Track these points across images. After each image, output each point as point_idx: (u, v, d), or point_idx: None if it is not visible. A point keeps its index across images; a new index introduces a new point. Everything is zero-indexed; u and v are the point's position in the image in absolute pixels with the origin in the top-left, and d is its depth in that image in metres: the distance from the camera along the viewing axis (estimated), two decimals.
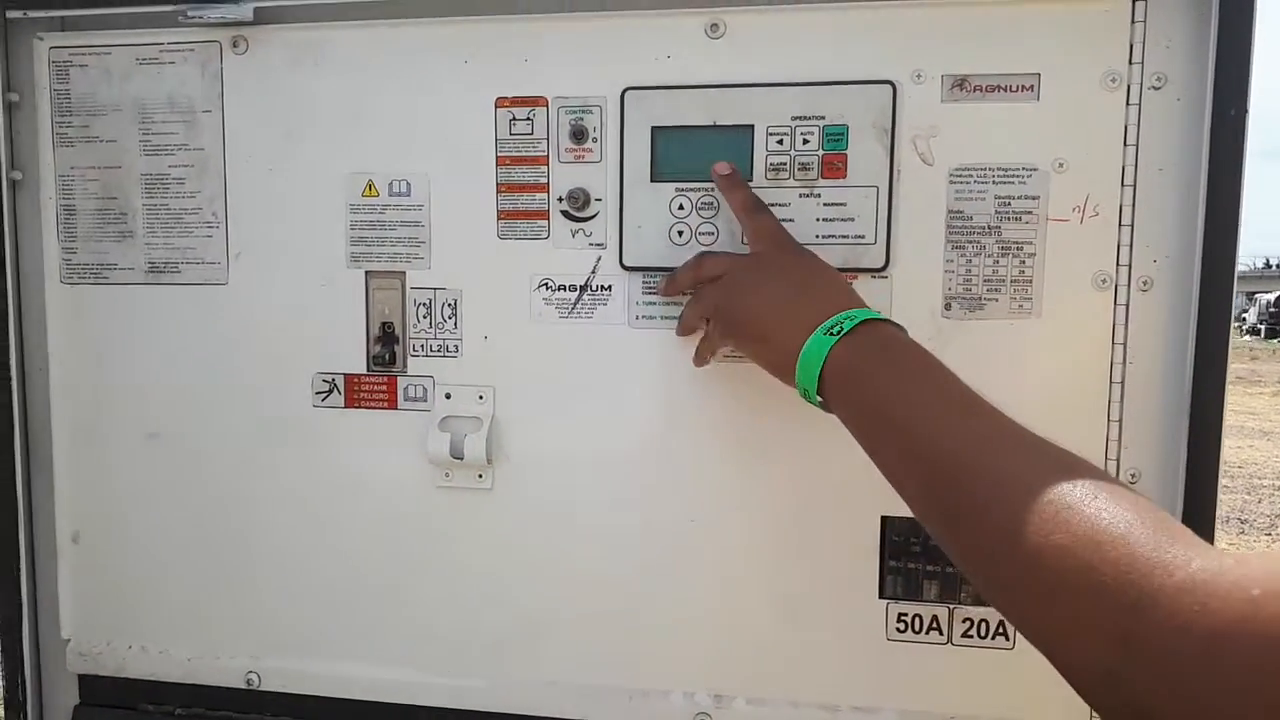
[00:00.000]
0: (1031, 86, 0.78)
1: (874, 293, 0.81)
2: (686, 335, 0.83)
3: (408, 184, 0.88)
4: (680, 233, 0.83)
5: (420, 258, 0.89)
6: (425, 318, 0.89)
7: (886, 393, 0.63)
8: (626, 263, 0.85)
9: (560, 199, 0.85)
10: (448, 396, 0.89)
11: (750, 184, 0.81)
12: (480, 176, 0.87)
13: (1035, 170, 0.78)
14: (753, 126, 0.81)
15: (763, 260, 0.77)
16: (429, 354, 0.90)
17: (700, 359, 0.83)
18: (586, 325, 0.86)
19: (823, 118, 0.80)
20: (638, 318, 0.86)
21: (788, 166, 0.81)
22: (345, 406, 0.91)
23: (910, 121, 0.80)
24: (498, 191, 0.87)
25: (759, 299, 0.74)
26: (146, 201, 0.94)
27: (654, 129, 0.83)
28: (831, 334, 0.66)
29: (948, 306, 0.81)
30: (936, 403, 0.60)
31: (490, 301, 0.88)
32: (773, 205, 0.81)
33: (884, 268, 0.81)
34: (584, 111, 0.84)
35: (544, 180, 0.86)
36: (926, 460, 0.58)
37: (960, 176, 0.79)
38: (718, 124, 0.82)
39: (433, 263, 0.89)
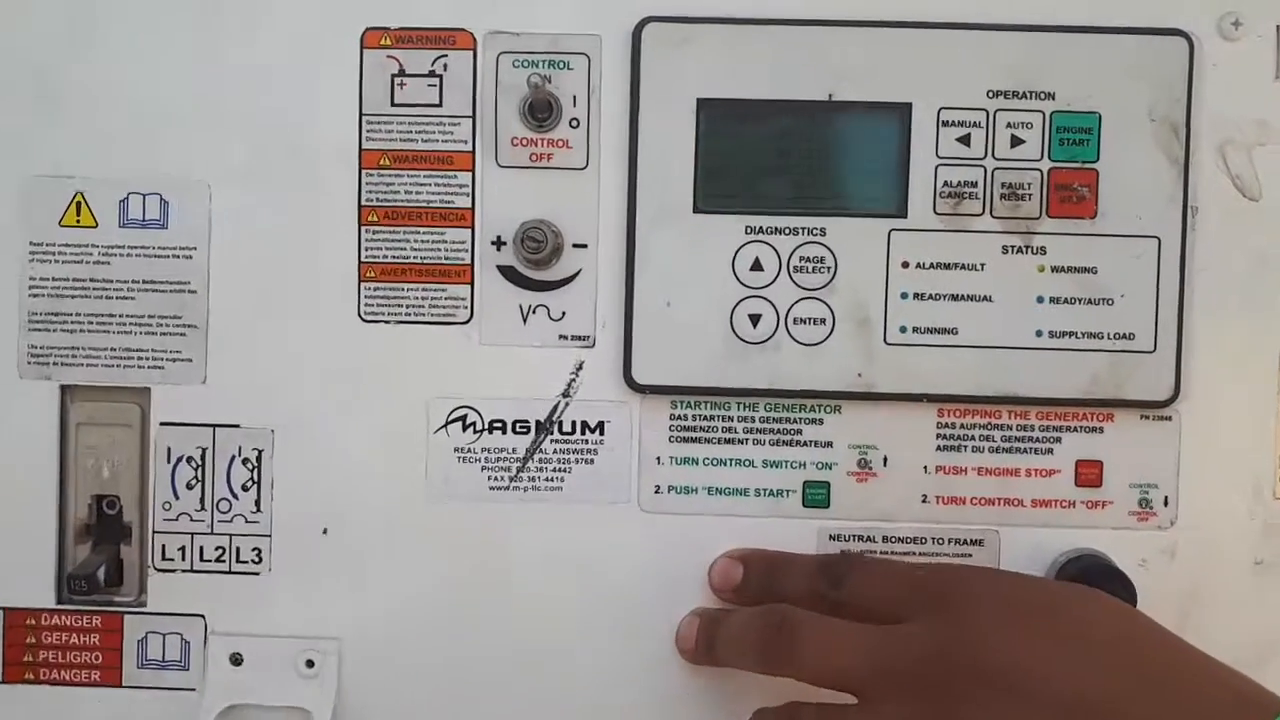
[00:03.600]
0: None
1: (1152, 443, 0.41)
2: None
3: (162, 202, 0.42)
4: (753, 317, 0.41)
5: (185, 359, 0.42)
6: (193, 487, 0.42)
7: None
8: (639, 378, 0.41)
9: (497, 242, 0.41)
10: (236, 662, 0.42)
11: (904, 221, 0.40)
12: (323, 190, 0.42)
13: None
14: (910, 107, 0.40)
15: (958, 674, 0.33)
16: (198, 566, 0.42)
17: None
18: (548, 507, 0.42)
19: (1051, 96, 0.40)
20: (658, 490, 0.42)
21: (979, 190, 0.40)
22: (5, 681, 0.42)
23: (1218, 112, 0.41)
24: (362, 224, 0.41)
25: None
26: None
27: (701, 104, 0.40)
28: None
29: None
30: None
31: (339, 453, 0.42)
32: (950, 266, 0.40)
33: (1170, 400, 0.41)
34: (553, 63, 0.41)
35: (466, 203, 0.41)
36: None
37: None
38: (835, 99, 0.40)
39: (211, 370, 0.42)
